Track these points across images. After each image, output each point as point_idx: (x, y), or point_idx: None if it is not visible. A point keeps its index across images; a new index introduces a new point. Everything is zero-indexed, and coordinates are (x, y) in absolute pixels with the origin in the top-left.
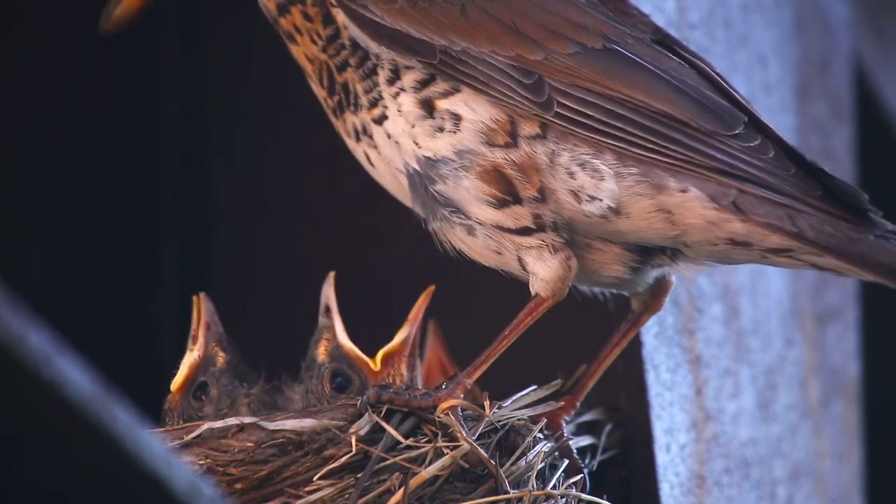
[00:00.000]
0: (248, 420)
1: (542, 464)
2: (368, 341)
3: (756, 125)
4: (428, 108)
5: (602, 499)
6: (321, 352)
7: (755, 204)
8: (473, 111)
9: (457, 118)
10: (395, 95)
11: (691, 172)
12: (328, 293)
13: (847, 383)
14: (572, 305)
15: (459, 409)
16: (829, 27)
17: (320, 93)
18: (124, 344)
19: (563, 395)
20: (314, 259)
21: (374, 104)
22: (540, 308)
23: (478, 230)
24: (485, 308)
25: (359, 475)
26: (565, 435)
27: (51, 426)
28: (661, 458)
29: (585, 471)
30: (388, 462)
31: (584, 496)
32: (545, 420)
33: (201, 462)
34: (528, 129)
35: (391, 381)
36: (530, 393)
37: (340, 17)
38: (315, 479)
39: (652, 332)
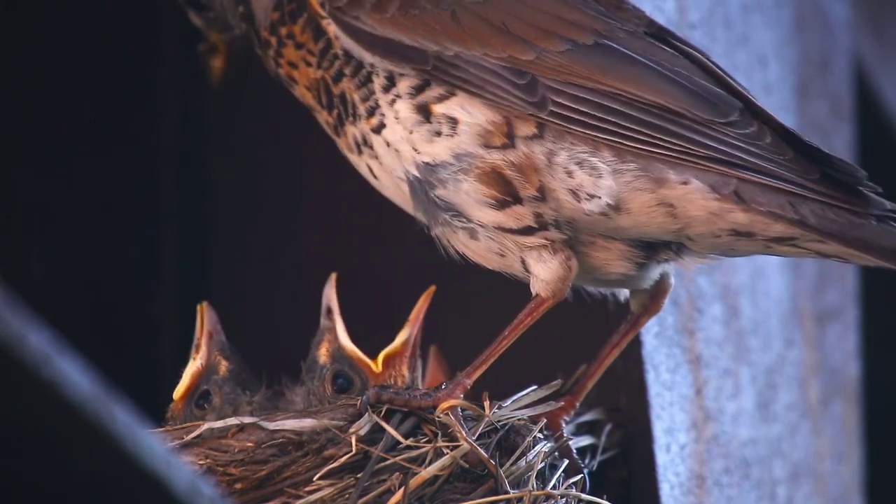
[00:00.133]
0: (248, 420)
1: (542, 464)
2: (369, 342)
3: (752, 111)
4: (425, 113)
5: (602, 499)
6: (323, 353)
7: (756, 192)
8: (470, 114)
9: (453, 122)
10: (392, 102)
11: (690, 164)
12: (330, 295)
13: (847, 383)
14: (572, 306)
15: (459, 409)
16: (829, 27)
17: (322, 116)
18: (124, 344)
19: (562, 395)
20: (314, 259)
21: (371, 113)
22: (540, 308)
23: (480, 233)
24: (485, 308)
25: (359, 475)
26: (565, 435)
27: (51, 426)
28: (661, 458)
29: (585, 471)
30: (388, 462)
31: (584, 496)
32: (545, 420)
33: (201, 462)
34: (524, 129)
35: (393, 382)
36: (530, 393)
37: (332, 28)
38: (315, 479)
39: (652, 332)
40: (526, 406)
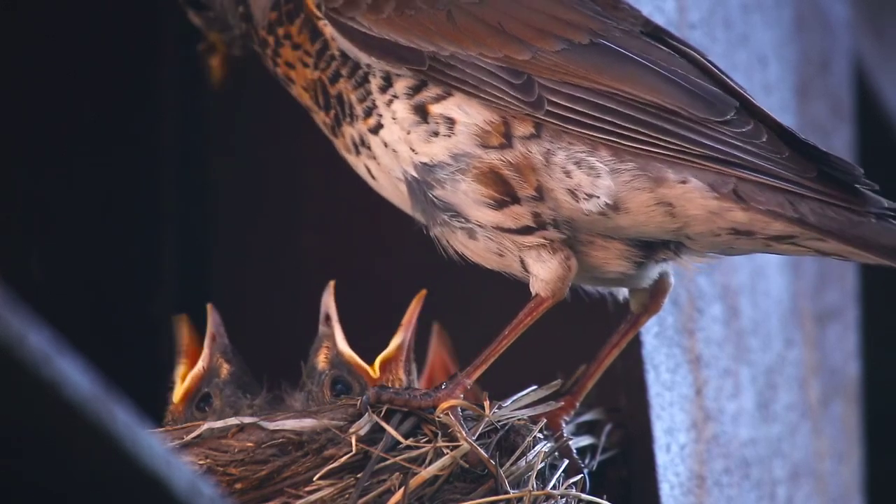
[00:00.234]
0: (248, 420)
1: (542, 464)
2: (369, 341)
3: (748, 109)
4: (422, 113)
5: (602, 499)
6: (321, 360)
7: (755, 191)
8: (467, 114)
9: (451, 122)
10: (389, 103)
11: (688, 163)
12: (328, 302)
13: (847, 383)
14: (572, 306)
15: (459, 409)
16: (829, 27)
17: (319, 117)
18: (124, 344)
19: (562, 395)
20: (314, 259)
21: (368, 113)
22: (540, 308)
23: (479, 233)
24: (485, 308)
25: (359, 475)
26: (565, 435)
27: (51, 426)
28: (661, 458)
29: (585, 471)
30: (388, 462)
31: (584, 496)
32: (545, 420)
33: (201, 462)
34: (522, 129)
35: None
36: (530, 393)
37: (328, 30)
38: (315, 479)
39: (652, 332)
40: (526, 406)
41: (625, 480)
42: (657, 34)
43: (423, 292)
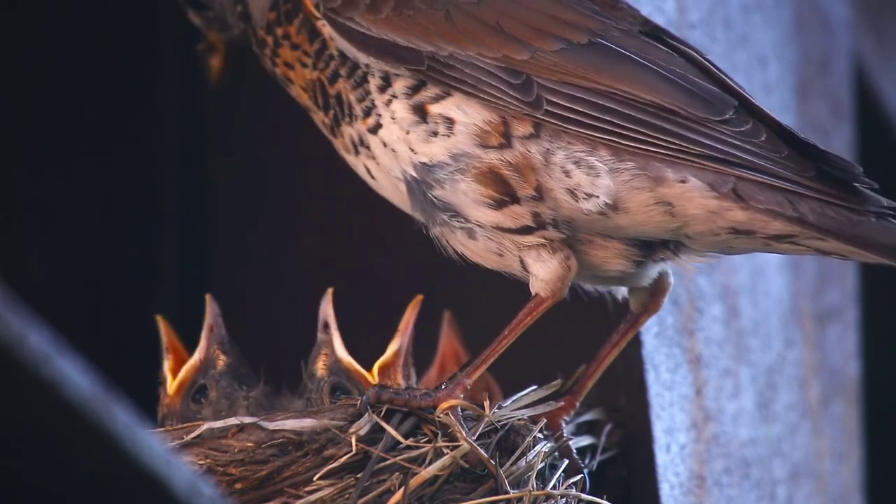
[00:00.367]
0: (247, 420)
1: (542, 464)
2: (369, 342)
3: (747, 108)
4: (421, 113)
5: (602, 499)
6: (320, 366)
7: (755, 190)
8: (466, 114)
9: (450, 122)
10: (388, 103)
11: (688, 162)
12: (326, 310)
13: (847, 383)
14: (572, 305)
15: (459, 409)
16: (829, 27)
17: (318, 117)
18: (124, 344)
19: (562, 395)
20: (314, 259)
21: (367, 113)
22: (539, 308)
23: (478, 233)
24: (485, 308)
25: (359, 475)
26: (565, 435)
27: (51, 426)
28: (661, 458)
29: (585, 471)
30: (388, 462)
31: (584, 496)
32: (545, 420)
33: (201, 462)
34: (521, 129)
35: None
36: (530, 393)
37: (327, 30)
38: (315, 479)
39: (652, 332)
40: (526, 406)
41: (625, 480)
42: (656, 34)
43: (419, 297)
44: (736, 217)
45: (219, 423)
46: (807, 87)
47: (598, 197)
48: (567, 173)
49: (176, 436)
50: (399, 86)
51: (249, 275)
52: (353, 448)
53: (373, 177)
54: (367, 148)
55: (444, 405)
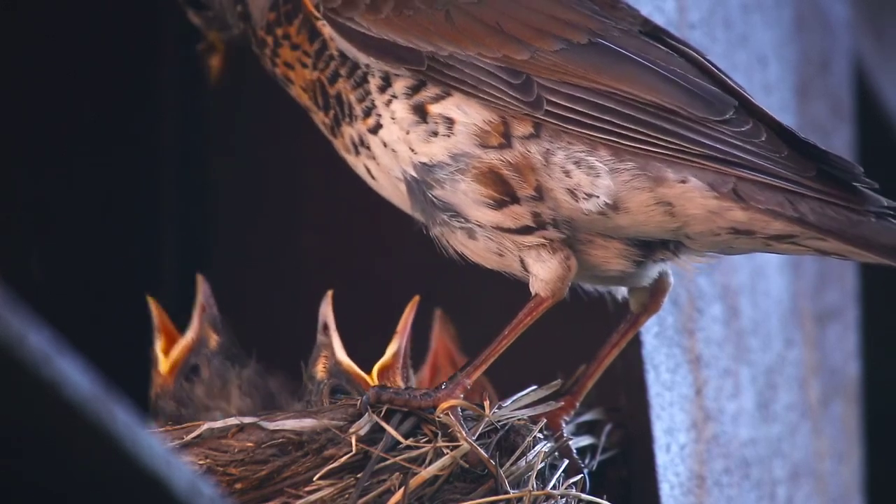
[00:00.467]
0: (248, 420)
1: (542, 464)
2: (369, 342)
3: (747, 108)
4: (421, 113)
5: (602, 499)
6: (320, 369)
7: (755, 190)
8: (466, 114)
9: (450, 122)
10: (388, 103)
11: (688, 162)
12: (326, 312)
13: (847, 383)
14: (572, 305)
15: (459, 409)
16: (829, 27)
17: (318, 117)
18: (124, 344)
19: (562, 395)
20: (314, 259)
21: (367, 113)
22: (539, 308)
23: (478, 233)
24: (485, 308)
25: (359, 475)
26: (565, 435)
27: (51, 426)
28: (661, 458)
29: (585, 471)
30: (388, 462)
31: (584, 496)
32: (545, 420)
33: (201, 462)
34: (521, 129)
35: None
36: (530, 393)
37: (327, 30)
38: (315, 479)
39: (652, 332)
40: (526, 406)
41: (625, 480)
42: (656, 34)
43: (416, 299)
44: (736, 217)
45: (219, 424)
46: (807, 87)
47: (598, 197)
48: (567, 173)
49: (176, 436)
50: (399, 86)
51: (249, 275)
52: (353, 448)
53: (373, 177)
54: (368, 148)
55: (444, 405)
